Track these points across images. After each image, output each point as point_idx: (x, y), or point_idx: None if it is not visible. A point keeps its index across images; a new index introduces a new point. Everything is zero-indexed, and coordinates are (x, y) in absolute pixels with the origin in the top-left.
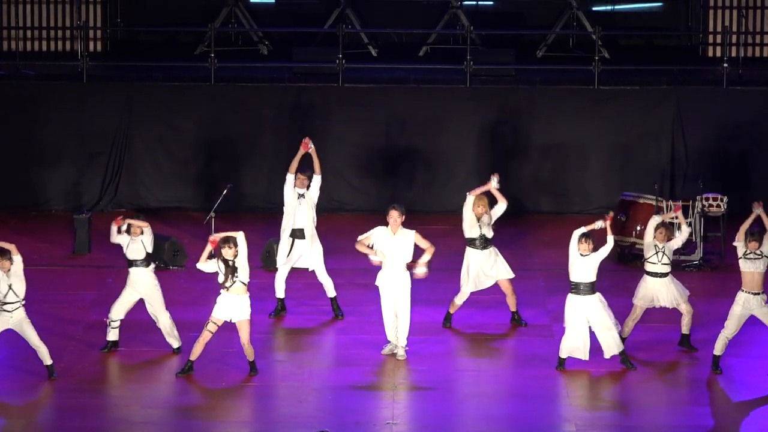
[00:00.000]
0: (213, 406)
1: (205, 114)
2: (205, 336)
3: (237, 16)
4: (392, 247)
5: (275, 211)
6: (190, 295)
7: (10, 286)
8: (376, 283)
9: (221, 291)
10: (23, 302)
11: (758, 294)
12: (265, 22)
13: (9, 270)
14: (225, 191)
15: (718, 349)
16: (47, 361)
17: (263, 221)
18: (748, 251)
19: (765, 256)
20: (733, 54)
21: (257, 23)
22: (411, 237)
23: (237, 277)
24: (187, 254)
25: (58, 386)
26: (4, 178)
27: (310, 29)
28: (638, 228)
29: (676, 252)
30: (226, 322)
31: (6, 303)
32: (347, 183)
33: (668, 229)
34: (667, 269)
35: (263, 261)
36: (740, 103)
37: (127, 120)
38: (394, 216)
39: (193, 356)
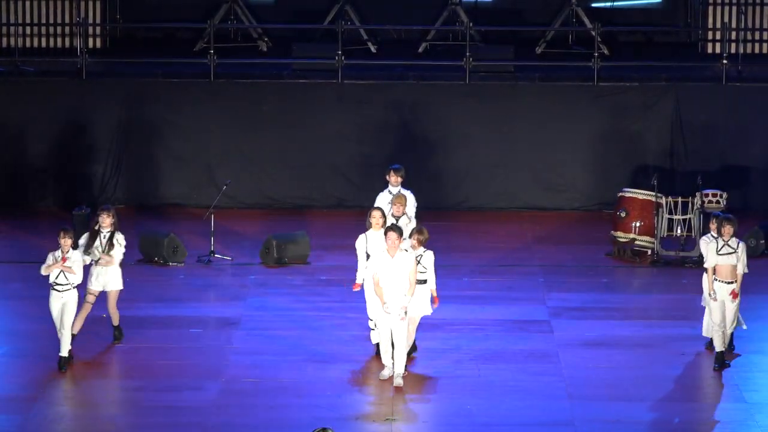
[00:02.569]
0: (212, 403)
1: (204, 110)
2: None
3: (236, 12)
4: (390, 270)
5: (274, 207)
6: (189, 291)
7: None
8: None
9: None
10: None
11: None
12: (264, 18)
13: (68, 251)
14: (224, 187)
15: (719, 344)
16: (64, 352)
17: (262, 218)
18: (721, 246)
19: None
20: (733, 51)
21: (256, 20)
22: (411, 261)
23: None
24: (186, 250)
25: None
26: (2, 174)
27: (310, 26)
28: (637, 224)
29: (676, 248)
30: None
31: (57, 283)
32: (346, 179)
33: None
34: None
35: (262, 257)
36: (739, 99)
37: (126, 117)
38: (393, 238)
39: None
